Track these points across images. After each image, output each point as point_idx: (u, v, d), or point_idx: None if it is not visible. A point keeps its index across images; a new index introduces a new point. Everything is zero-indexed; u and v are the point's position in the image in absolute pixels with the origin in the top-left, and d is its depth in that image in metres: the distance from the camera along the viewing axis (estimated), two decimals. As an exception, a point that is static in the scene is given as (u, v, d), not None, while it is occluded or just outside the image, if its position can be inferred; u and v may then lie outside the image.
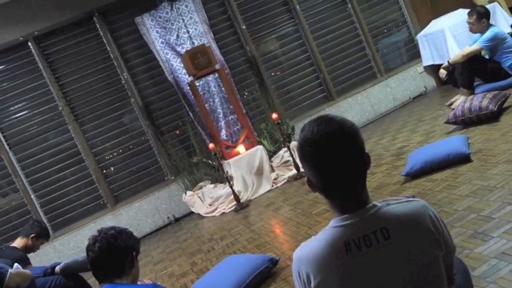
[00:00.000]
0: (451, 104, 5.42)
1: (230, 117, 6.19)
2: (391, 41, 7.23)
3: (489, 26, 5.30)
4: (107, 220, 5.86)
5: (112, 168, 6.15)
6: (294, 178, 5.49)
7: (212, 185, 5.83)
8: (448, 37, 6.06)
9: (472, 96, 4.73)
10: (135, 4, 6.15)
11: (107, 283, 2.12)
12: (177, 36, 6.06)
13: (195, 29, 6.13)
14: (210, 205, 5.65)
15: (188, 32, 6.10)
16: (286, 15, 6.74)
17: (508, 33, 5.49)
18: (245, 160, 5.67)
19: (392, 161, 4.59)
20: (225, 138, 6.10)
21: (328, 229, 1.45)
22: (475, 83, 5.38)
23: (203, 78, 5.98)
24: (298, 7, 6.66)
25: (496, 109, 4.32)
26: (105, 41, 6.07)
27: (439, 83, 6.88)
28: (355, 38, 6.97)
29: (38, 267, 3.50)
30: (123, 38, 6.18)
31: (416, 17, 7.07)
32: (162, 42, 6.07)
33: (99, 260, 2.15)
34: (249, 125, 6.06)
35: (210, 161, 5.90)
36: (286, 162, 5.80)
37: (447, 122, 4.70)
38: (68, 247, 5.77)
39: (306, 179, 1.49)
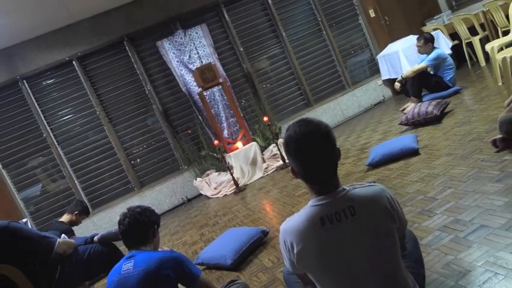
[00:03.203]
0: (403, 110, 5.43)
1: (231, 120, 6.17)
2: (357, 60, 7.22)
3: (434, 48, 5.31)
4: (134, 200, 5.84)
5: (138, 160, 6.13)
6: (281, 168, 5.48)
7: (217, 173, 5.82)
8: (401, 57, 6.06)
9: (420, 103, 4.74)
10: (156, 31, 6.11)
11: (134, 249, 2.11)
12: (189, 56, 6.03)
13: (203, 51, 6.10)
14: (215, 189, 5.64)
15: (198, 53, 6.06)
16: (274, 40, 6.71)
17: (449, 54, 5.51)
18: (242, 153, 5.66)
19: (358, 154, 4.60)
20: (227, 136, 6.08)
21: (307, 207, 1.45)
22: (423, 93, 5.39)
23: (209, 89, 5.95)
24: (284, 33, 6.64)
25: (439, 113, 4.33)
26: (132, 60, 6.04)
27: (394, 93, 6.88)
28: (329, 58, 6.95)
29: (80, 237, 3.47)
30: (147, 58, 6.14)
31: (376, 41, 7.07)
32: (177, 61, 6.03)
33: (128, 231, 2.14)
34: (245, 126, 6.04)
35: (215, 154, 5.89)
36: (275, 155, 5.79)
37: (400, 124, 4.71)
38: (104, 221, 5.75)
39: (290, 168, 1.48)
